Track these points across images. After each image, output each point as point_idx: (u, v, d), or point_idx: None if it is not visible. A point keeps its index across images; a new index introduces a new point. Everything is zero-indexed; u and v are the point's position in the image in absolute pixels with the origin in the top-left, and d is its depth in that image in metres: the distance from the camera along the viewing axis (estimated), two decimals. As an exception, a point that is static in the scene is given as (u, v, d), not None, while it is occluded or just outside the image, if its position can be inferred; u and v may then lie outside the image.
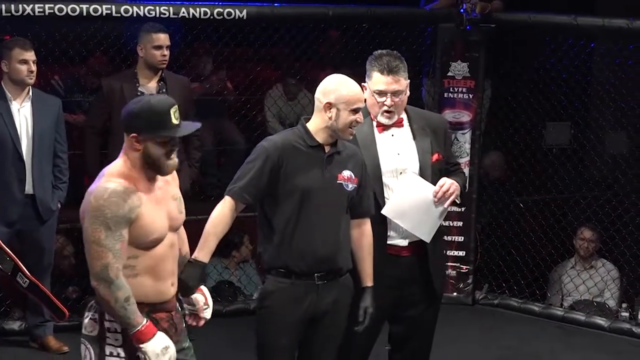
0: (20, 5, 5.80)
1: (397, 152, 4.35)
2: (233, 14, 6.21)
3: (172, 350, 3.51)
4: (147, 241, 3.50)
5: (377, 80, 4.29)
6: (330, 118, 3.99)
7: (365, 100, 4.24)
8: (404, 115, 4.39)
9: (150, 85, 5.85)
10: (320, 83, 4.08)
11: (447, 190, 4.30)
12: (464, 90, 6.88)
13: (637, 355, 6.16)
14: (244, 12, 6.24)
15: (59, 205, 5.75)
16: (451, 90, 6.89)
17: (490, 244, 7.09)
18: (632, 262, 6.69)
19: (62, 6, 5.88)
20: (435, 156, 4.38)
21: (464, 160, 6.88)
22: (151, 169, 3.52)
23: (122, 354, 3.53)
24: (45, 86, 6.43)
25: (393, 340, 4.54)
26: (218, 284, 6.78)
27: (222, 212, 4.00)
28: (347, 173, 4.06)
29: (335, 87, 4.02)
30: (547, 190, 7.01)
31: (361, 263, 4.17)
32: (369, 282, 4.17)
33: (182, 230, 3.84)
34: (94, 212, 3.40)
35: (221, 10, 6.19)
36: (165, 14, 6.07)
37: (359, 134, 4.28)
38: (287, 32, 6.62)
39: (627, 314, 6.63)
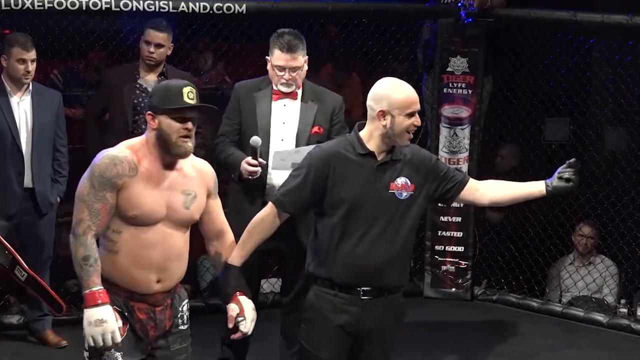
0: (19, -1, 5.80)
1: (283, 121, 4.87)
2: (232, 8, 6.19)
3: (109, 327, 3.46)
4: (128, 215, 3.54)
5: (278, 57, 4.79)
6: (385, 126, 3.80)
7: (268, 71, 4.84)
8: (300, 90, 4.83)
9: (149, 79, 5.92)
10: (372, 88, 3.90)
11: None
12: (463, 85, 6.88)
13: (635, 351, 6.16)
14: (244, 6, 6.22)
15: (59, 199, 5.75)
16: (450, 85, 6.89)
17: (489, 240, 7.09)
18: (630, 259, 6.68)
19: (62, 0, 5.88)
20: (315, 129, 4.86)
21: (463, 155, 6.88)
22: (163, 148, 3.56)
23: None
24: (44, 80, 6.42)
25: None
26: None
27: (259, 216, 3.93)
28: (401, 180, 3.85)
29: (387, 92, 3.82)
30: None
31: (517, 189, 4.05)
32: (541, 186, 3.99)
33: (228, 236, 3.85)
34: (88, 171, 3.57)
35: (221, 4, 6.17)
36: (164, 8, 6.04)
37: (259, 102, 4.80)
38: (286, 27, 6.58)
39: (625, 310, 6.64)
